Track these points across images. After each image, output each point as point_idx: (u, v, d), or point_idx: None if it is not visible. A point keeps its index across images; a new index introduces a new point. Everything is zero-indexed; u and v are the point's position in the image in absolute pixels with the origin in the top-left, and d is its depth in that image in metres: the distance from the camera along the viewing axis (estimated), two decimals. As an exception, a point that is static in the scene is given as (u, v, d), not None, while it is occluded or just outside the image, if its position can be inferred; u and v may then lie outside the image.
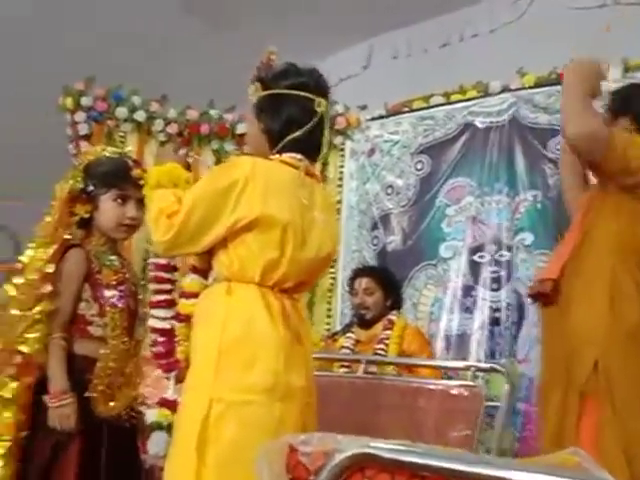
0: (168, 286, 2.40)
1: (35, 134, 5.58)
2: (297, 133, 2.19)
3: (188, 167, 2.35)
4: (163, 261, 2.39)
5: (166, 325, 2.34)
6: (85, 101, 5.01)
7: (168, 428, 3.10)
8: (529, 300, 2.76)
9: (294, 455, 1.18)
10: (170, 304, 2.36)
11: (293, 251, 2.12)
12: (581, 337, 2.30)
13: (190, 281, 2.28)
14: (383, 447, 1.10)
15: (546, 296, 2.40)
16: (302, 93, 2.22)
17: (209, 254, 2.20)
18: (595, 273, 2.35)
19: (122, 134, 5.13)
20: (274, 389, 2.03)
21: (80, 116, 5.02)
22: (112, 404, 2.45)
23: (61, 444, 2.36)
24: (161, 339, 2.34)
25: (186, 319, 2.23)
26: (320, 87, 2.28)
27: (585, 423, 2.23)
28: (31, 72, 5.74)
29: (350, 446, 1.13)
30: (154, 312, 2.38)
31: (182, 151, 2.38)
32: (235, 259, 2.11)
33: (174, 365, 2.31)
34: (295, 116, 2.21)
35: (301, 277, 2.19)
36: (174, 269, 2.41)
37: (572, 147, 2.40)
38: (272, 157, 2.21)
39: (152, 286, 2.44)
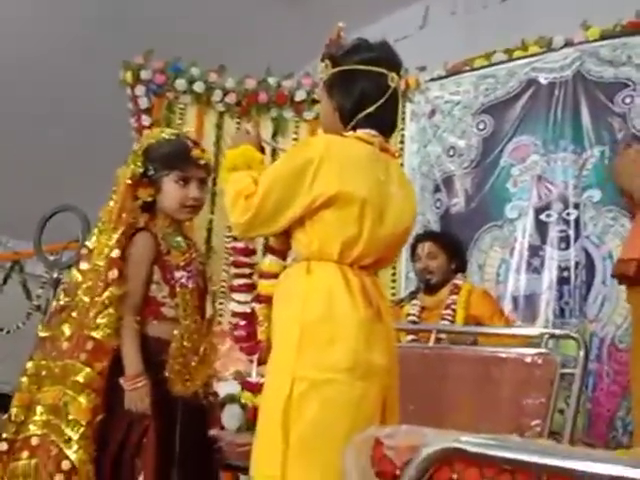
0: (247, 270, 2.41)
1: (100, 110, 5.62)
2: (370, 109, 2.16)
3: (262, 148, 2.34)
4: (241, 245, 2.39)
5: (247, 309, 2.35)
6: (144, 74, 5.04)
7: (241, 400, 3.15)
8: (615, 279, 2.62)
9: (380, 448, 1.19)
10: (250, 288, 2.37)
11: (371, 227, 2.11)
12: None
13: (269, 262, 2.28)
14: (471, 441, 1.10)
15: (630, 278, 2.31)
16: (374, 68, 2.18)
17: (286, 235, 2.20)
18: None
19: (182, 106, 5.16)
20: (355, 368, 2.02)
21: (140, 90, 5.05)
22: (189, 383, 2.48)
23: (136, 424, 2.41)
24: (242, 322, 2.35)
25: (266, 300, 2.24)
26: (392, 61, 2.24)
27: None
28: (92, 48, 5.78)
29: (437, 441, 1.12)
30: (235, 296, 2.40)
31: (254, 130, 2.36)
32: (314, 238, 2.11)
33: (256, 348, 2.33)
34: (368, 92, 2.17)
35: (380, 253, 2.18)
36: (253, 252, 2.42)
37: None
38: (346, 134, 2.18)
39: (232, 270, 2.45)
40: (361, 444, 1.19)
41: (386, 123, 2.24)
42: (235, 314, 2.36)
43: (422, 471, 1.13)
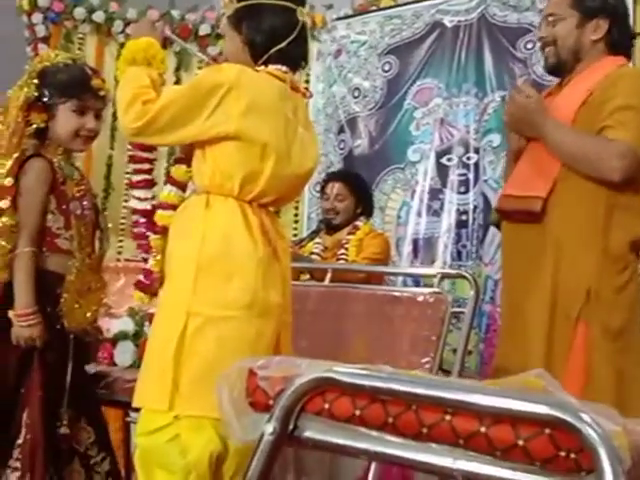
0: (147, 165, 2.34)
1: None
2: (282, 44, 2.12)
3: (164, 44, 2.25)
4: None
5: (147, 206, 2.29)
6: (42, 1, 4.86)
7: (134, 337, 3.09)
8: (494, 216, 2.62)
9: (253, 379, 1.17)
10: (149, 183, 2.31)
11: (274, 165, 2.09)
12: (574, 267, 2.23)
13: (168, 192, 2.24)
14: (343, 371, 1.09)
15: (533, 215, 2.27)
16: (282, 2, 2.15)
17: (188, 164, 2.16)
18: (587, 199, 2.24)
19: (81, 36, 5.00)
20: (252, 306, 2.03)
21: (37, 17, 4.87)
22: (80, 318, 2.43)
23: (26, 358, 2.34)
24: (142, 220, 2.29)
25: (162, 231, 2.20)
26: None
27: (575, 346, 2.20)
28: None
29: (310, 371, 1.12)
30: (134, 192, 2.33)
31: (159, 24, 2.27)
32: (216, 170, 2.08)
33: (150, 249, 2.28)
34: (278, 26, 2.14)
35: (281, 192, 2.17)
36: (152, 148, 2.35)
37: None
38: (258, 69, 2.14)
39: (131, 166, 2.37)
40: (234, 375, 1.17)
41: (297, 59, 2.22)
42: (135, 211, 2.30)
43: (295, 401, 1.12)
